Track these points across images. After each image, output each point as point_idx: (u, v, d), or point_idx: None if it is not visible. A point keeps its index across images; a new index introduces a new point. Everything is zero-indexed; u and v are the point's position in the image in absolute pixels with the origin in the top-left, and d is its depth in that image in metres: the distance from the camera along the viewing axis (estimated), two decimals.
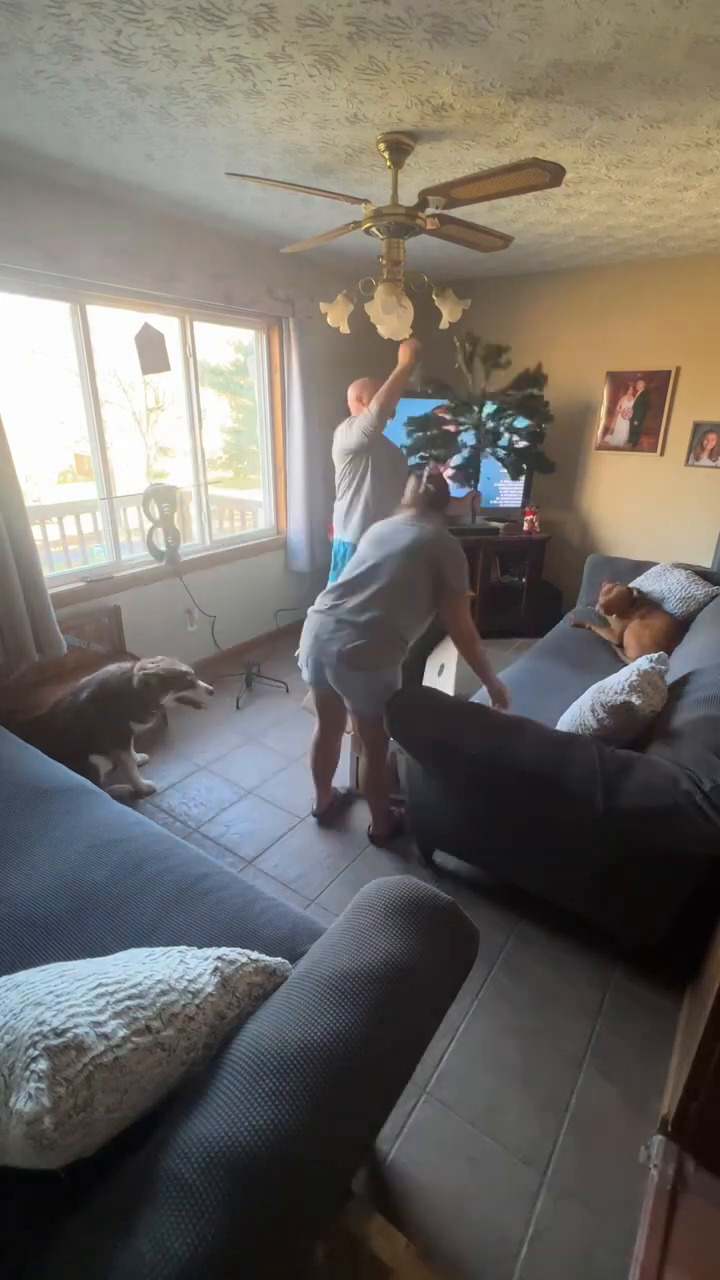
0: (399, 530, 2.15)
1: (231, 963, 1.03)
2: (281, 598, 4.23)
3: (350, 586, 2.11)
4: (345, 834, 2.38)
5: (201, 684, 2.58)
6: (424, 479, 2.23)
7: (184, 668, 2.55)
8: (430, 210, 2.02)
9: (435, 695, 1.99)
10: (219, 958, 1.03)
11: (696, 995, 1.57)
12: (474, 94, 1.71)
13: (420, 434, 3.80)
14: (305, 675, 2.19)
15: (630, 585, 3.12)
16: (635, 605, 3.00)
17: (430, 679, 2.59)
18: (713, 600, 2.91)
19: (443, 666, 2.65)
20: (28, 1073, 0.77)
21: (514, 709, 2.23)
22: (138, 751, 2.70)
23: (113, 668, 2.54)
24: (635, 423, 3.97)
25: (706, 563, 3.72)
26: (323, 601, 2.14)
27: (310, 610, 2.17)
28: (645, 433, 3.95)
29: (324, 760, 2.41)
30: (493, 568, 4.23)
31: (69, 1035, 0.80)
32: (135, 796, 2.57)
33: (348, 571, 2.17)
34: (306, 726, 3.11)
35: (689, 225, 2.89)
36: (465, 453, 3.84)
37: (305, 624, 2.16)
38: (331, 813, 2.48)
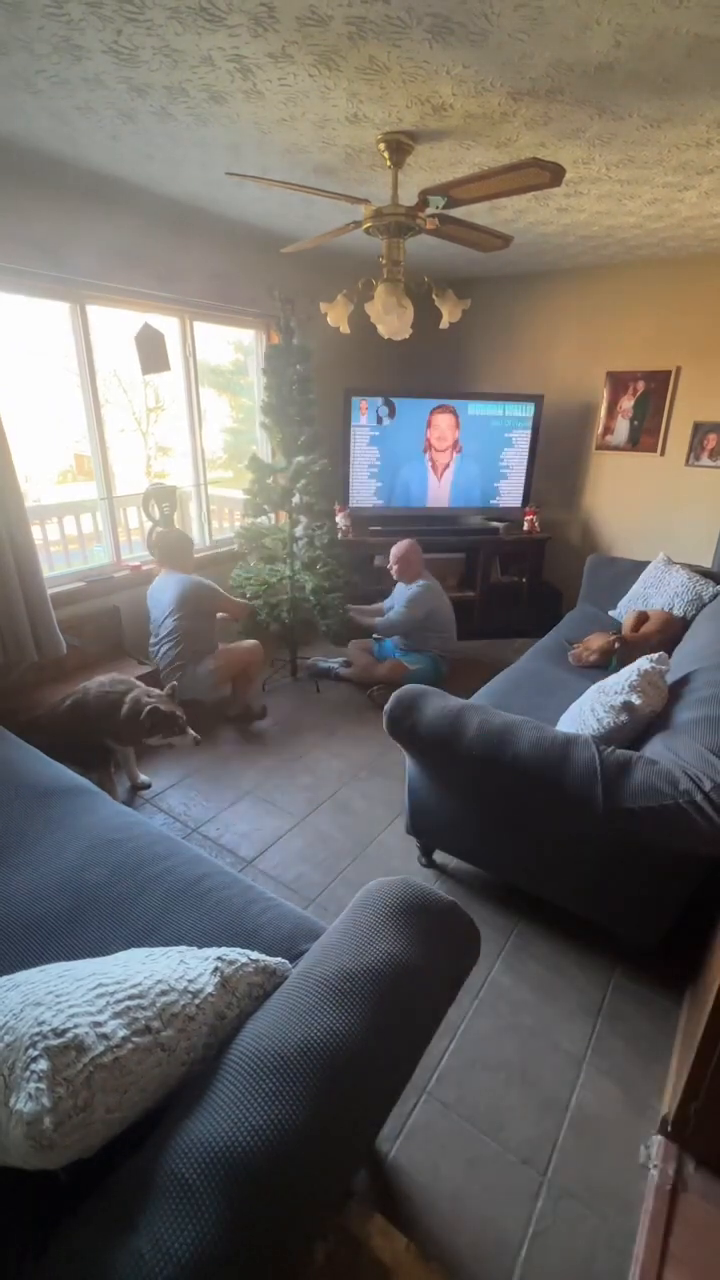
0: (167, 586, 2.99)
1: (231, 963, 1.03)
2: None
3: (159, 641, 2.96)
4: (345, 834, 2.38)
5: (191, 732, 2.39)
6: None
7: (179, 711, 2.41)
8: (430, 210, 2.02)
9: (435, 695, 1.99)
10: (219, 958, 1.03)
11: (696, 995, 1.57)
12: (474, 94, 1.71)
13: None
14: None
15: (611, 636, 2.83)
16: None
17: None
18: (714, 599, 2.91)
19: None
20: (28, 1073, 0.77)
21: (514, 709, 2.22)
22: (143, 772, 2.64)
23: (104, 679, 2.42)
24: (635, 423, 3.97)
25: (707, 562, 3.71)
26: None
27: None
28: (645, 433, 3.95)
29: None
30: (493, 568, 4.23)
31: (69, 1035, 0.80)
32: (132, 790, 2.58)
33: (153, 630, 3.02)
34: (305, 726, 3.12)
35: (689, 225, 2.89)
36: None
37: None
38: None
